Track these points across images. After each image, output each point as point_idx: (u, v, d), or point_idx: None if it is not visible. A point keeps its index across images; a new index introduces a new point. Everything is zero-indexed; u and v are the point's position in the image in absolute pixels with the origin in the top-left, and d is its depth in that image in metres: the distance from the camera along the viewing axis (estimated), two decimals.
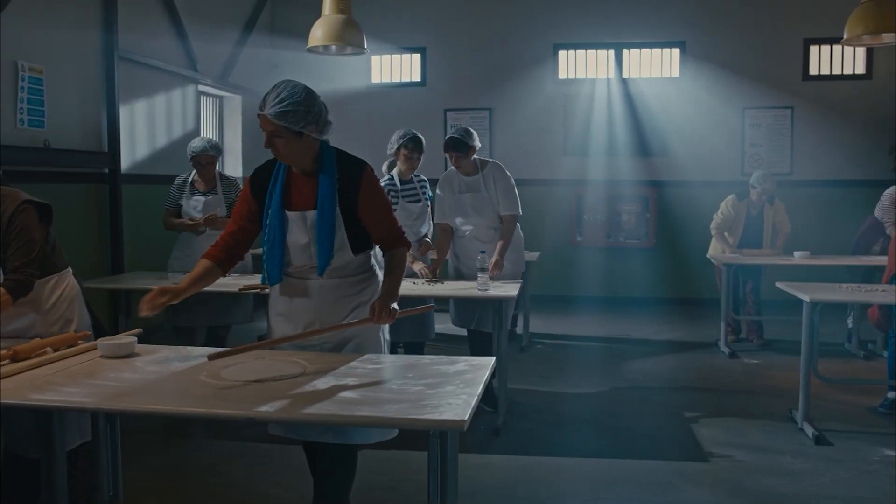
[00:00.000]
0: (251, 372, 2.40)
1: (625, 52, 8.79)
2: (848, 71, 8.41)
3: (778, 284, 4.81)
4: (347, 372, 2.42)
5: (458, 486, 2.27)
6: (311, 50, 5.81)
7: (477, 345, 4.86)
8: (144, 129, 6.79)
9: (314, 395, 2.17)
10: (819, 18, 8.32)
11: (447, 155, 4.69)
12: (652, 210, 8.71)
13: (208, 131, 8.27)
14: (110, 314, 5.52)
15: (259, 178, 2.81)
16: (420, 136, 4.83)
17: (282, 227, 2.71)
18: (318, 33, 5.70)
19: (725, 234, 6.67)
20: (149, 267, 5.79)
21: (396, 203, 4.71)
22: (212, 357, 2.51)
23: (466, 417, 1.96)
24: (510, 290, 4.34)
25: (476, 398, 2.14)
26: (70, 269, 3.11)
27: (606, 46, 8.80)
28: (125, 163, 6.38)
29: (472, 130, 4.71)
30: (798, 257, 6.36)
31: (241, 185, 5.29)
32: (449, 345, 6.46)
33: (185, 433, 4.42)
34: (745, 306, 6.81)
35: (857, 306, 6.20)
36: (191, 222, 5.06)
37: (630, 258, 8.74)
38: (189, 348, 2.78)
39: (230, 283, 4.76)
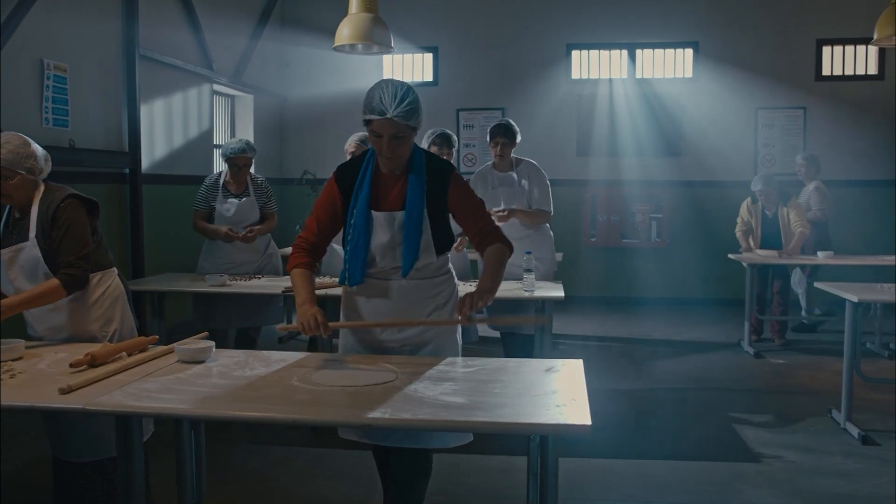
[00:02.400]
0: (344, 377, 2.34)
1: (638, 52, 8.79)
2: (860, 71, 8.46)
3: (817, 285, 4.81)
4: (440, 376, 2.37)
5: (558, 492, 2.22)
6: (337, 49, 5.77)
7: (513, 347, 4.81)
8: (162, 128, 6.70)
9: (422, 401, 2.12)
10: (831, 19, 8.37)
11: (492, 143, 4.69)
12: (665, 210, 8.70)
13: (221, 131, 8.18)
14: (138, 316, 5.42)
15: (344, 175, 2.74)
16: (449, 132, 4.79)
17: (367, 227, 2.64)
18: (345, 32, 5.66)
19: (750, 238, 6.70)
20: (169, 268, 5.69)
21: None
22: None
23: (590, 421, 1.93)
24: (555, 291, 4.31)
25: (587, 401, 2.11)
26: (115, 269, 3.05)
27: (620, 46, 8.80)
28: (144, 162, 6.28)
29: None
30: (822, 257, 6.38)
31: (269, 187, 5.24)
32: (479, 346, 6.41)
33: (223, 438, 4.34)
34: (772, 306, 6.81)
35: (880, 306, 6.25)
36: (228, 234, 4.93)
37: (644, 258, 8.72)
38: (266, 352, 2.72)
39: (266, 284, 4.71)
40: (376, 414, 2.00)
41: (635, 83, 8.73)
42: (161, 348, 2.68)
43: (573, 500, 3.52)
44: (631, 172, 8.67)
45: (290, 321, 7.13)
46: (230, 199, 5.03)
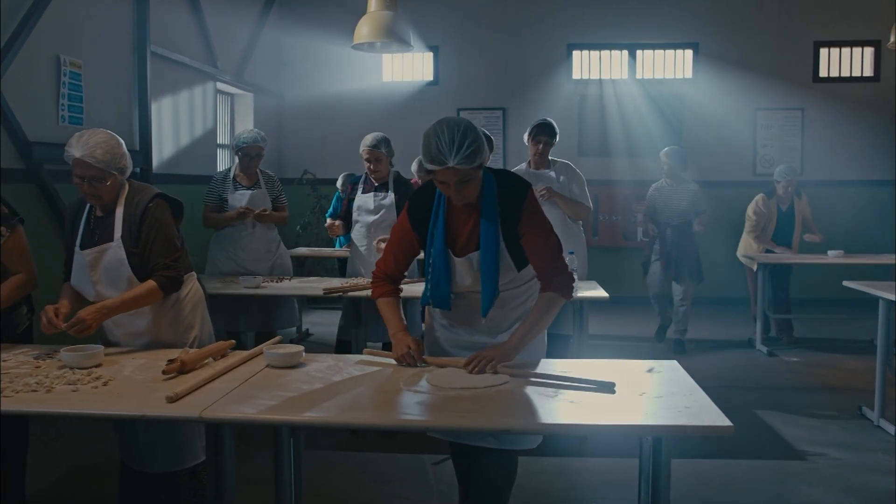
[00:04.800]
0: (455, 379, 2.29)
1: (639, 52, 8.84)
2: (857, 73, 8.61)
3: (846, 283, 4.87)
4: (546, 379, 2.33)
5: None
6: (356, 47, 5.69)
7: (549, 348, 4.78)
8: (169, 126, 6.55)
9: (547, 404, 2.08)
10: (828, 21, 8.51)
11: (533, 142, 4.71)
12: None
13: (222, 130, 8.03)
14: None
15: (418, 209, 2.65)
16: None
17: (447, 267, 2.59)
18: (365, 30, 5.58)
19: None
20: None
21: None
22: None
23: (729, 422, 1.91)
24: (597, 291, 4.31)
25: (711, 402, 2.09)
26: (194, 273, 2.96)
27: (620, 47, 8.84)
28: (153, 161, 6.13)
29: None
30: (832, 256, 6.46)
31: (279, 181, 5.16)
32: None
33: (255, 444, 4.24)
34: (776, 305, 6.88)
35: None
36: (241, 210, 4.84)
37: None
38: (347, 356, 2.66)
39: (302, 286, 4.65)
40: (511, 419, 1.96)
41: (636, 83, 8.78)
42: (246, 353, 2.61)
43: (626, 500, 3.51)
44: (631, 172, 8.70)
45: (300, 325, 7.03)
46: (241, 190, 4.95)
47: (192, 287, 2.90)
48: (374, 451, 4.12)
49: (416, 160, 6.73)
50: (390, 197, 4.72)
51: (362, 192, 4.81)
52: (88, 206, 2.75)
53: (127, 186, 2.74)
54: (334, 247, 7.30)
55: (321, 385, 2.26)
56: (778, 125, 8.66)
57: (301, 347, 2.53)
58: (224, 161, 7.94)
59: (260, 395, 2.16)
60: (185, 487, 2.76)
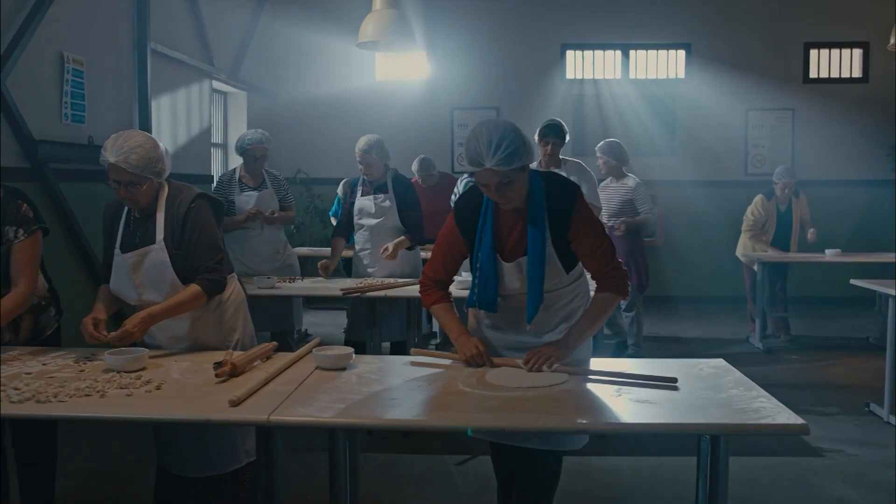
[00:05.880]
0: (515, 378, 2.28)
1: (632, 52, 8.90)
2: (846, 74, 8.73)
3: (854, 281, 4.93)
4: (598, 378, 2.32)
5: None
6: (360, 45, 5.67)
7: None
8: (167, 125, 6.46)
9: (611, 403, 2.08)
10: (817, 22, 8.63)
11: (542, 143, 4.70)
12: (659, 209, 8.79)
13: (216, 129, 7.93)
14: None
15: (466, 214, 2.63)
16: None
17: (495, 272, 2.57)
18: (370, 29, 5.56)
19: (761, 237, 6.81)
20: None
21: None
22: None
23: (803, 421, 1.92)
24: None
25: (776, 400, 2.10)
26: (235, 274, 2.90)
27: (614, 47, 8.89)
28: None
29: None
30: (830, 255, 6.55)
31: (284, 181, 5.11)
32: None
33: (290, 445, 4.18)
34: (773, 303, 6.96)
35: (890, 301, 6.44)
36: (251, 213, 4.78)
37: None
38: (392, 357, 2.64)
39: (305, 286, 4.64)
40: (581, 419, 1.95)
41: (629, 83, 8.83)
42: (293, 355, 2.57)
43: (644, 499, 3.53)
44: None
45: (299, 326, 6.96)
46: (248, 192, 4.90)
47: (234, 289, 2.85)
48: (391, 452, 4.09)
49: (416, 160, 6.70)
50: (390, 198, 4.69)
51: (361, 195, 4.77)
52: (127, 207, 2.68)
53: (166, 187, 2.68)
54: None
55: (379, 387, 2.23)
56: (769, 125, 8.76)
57: (351, 349, 2.50)
58: (217, 160, 7.85)
59: (320, 397, 2.13)
60: (225, 492, 2.71)
